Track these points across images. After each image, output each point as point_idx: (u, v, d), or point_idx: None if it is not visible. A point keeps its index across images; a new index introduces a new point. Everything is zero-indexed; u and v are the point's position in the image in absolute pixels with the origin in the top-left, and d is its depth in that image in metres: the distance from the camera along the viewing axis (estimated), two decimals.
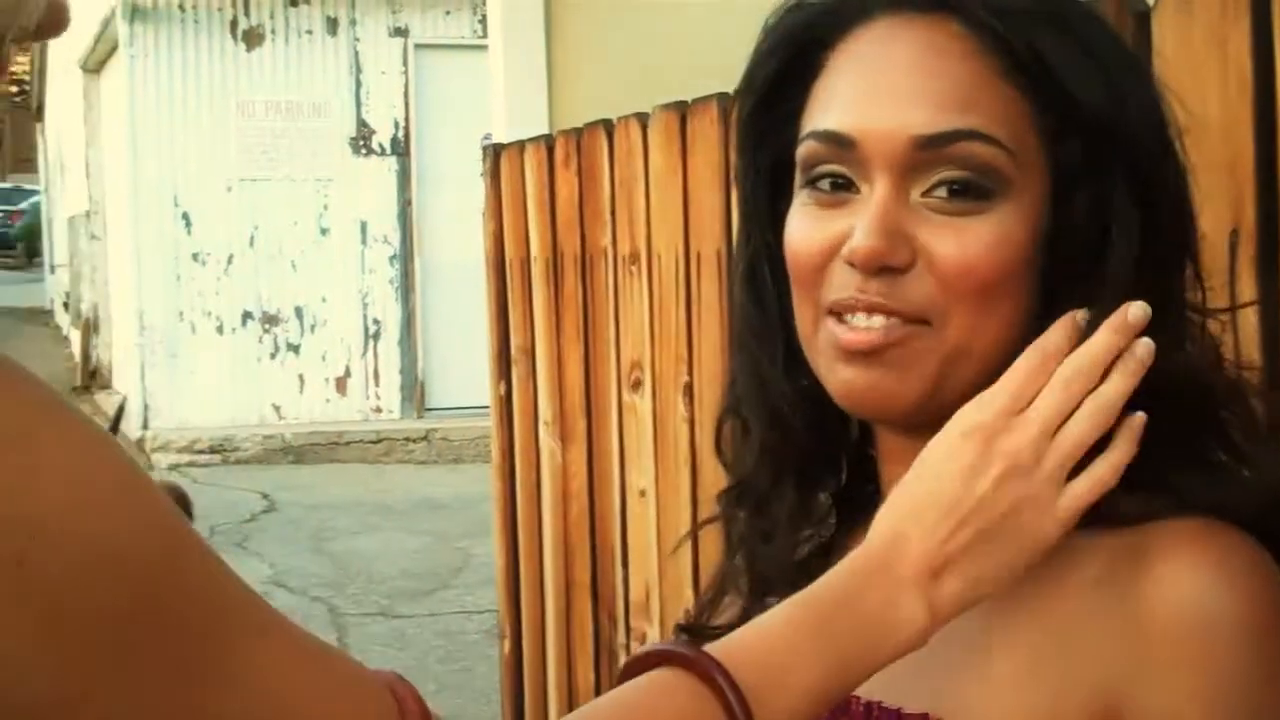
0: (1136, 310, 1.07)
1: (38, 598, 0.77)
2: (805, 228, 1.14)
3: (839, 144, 1.11)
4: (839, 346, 1.12)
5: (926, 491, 1.06)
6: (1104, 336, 1.06)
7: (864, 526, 1.24)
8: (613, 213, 3.14)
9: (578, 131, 3.31)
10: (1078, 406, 1.05)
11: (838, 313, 1.12)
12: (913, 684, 1.12)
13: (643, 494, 3.04)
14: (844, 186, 1.12)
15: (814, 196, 1.14)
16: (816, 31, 1.16)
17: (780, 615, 1.05)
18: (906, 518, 1.05)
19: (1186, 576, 1.03)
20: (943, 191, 1.09)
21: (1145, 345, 1.06)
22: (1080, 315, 1.09)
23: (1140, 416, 1.06)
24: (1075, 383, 1.06)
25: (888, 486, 1.20)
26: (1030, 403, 1.06)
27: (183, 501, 1.82)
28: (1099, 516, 1.08)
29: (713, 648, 1.01)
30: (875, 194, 1.10)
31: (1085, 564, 1.08)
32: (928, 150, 1.08)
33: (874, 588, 1.03)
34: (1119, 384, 1.06)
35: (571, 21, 4.22)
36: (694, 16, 4.10)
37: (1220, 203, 1.49)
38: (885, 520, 1.07)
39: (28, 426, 0.79)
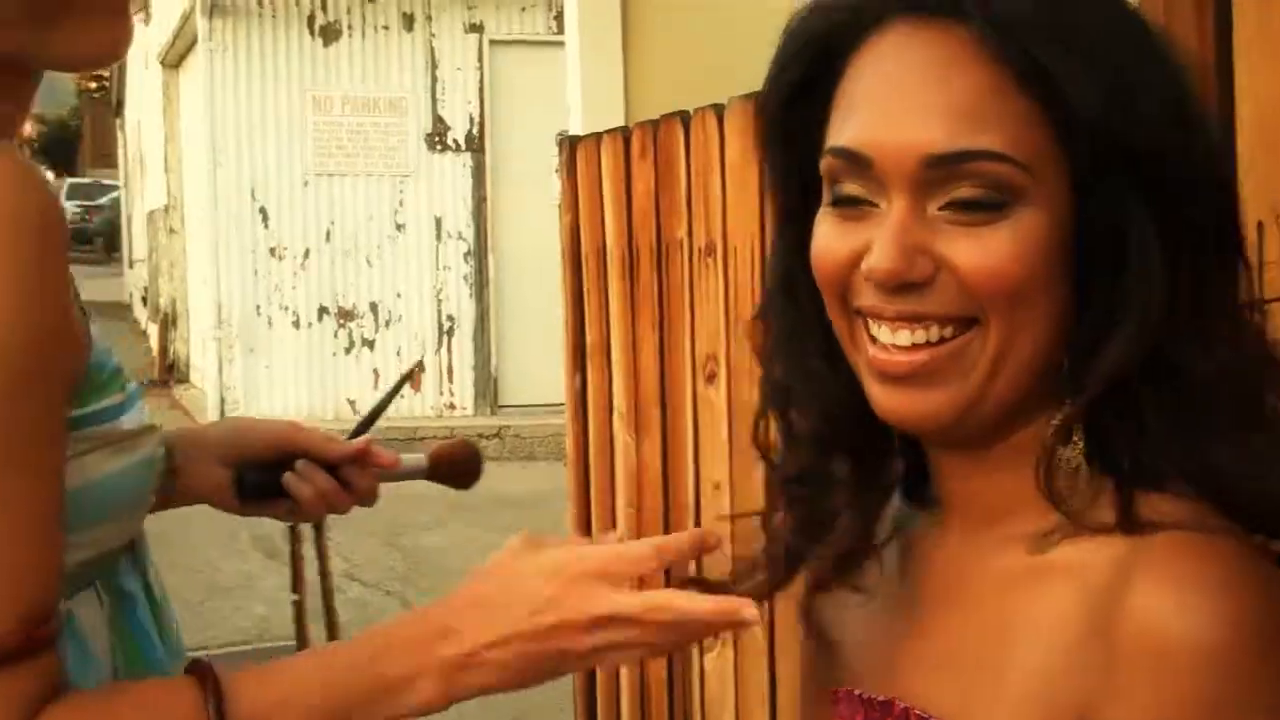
0: (748, 614, 1.20)
1: None
2: (828, 240, 1.15)
3: (855, 162, 1.12)
4: (873, 367, 1.13)
5: (495, 605, 1.25)
6: (709, 605, 1.21)
7: (926, 520, 1.22)
8: (689, 204, 3.12)
9: (654, 123, 3.30)
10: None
11: (865, 316, 1.13)
12: (940, 694, 1.14)
13: (717, 486, 3.03)
14: (866, 201, 1.12)
15: (837, 209, 1.15)
16: (835, 38, 1.15)
17: (313, 653, 1.29)
18: (467, 618, 1.24)
19: (1155, 594, 1.01)
20: (959, 204, 1.08)
21: (749, 616, 1.20)
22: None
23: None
24: (661, 604, 1.21)
25: (939, 485, 1.21)
26: (616, 579, 1.23)
27: (475, 459, 2.05)
28: (1112, 521, 1.07)
29: (243, 667, 1.22)
30: (892, 211, 1.10)
31: (1088, 575, 1.07)
32: (941, 168, 1.08)
33: (402, 662, 1.23)
34: (691, 608, 1.21)
35: (648, 13, 4.22)
36: (770, 6, 4.08)
37: None
38: (448, 610, 1.26)
39: None
